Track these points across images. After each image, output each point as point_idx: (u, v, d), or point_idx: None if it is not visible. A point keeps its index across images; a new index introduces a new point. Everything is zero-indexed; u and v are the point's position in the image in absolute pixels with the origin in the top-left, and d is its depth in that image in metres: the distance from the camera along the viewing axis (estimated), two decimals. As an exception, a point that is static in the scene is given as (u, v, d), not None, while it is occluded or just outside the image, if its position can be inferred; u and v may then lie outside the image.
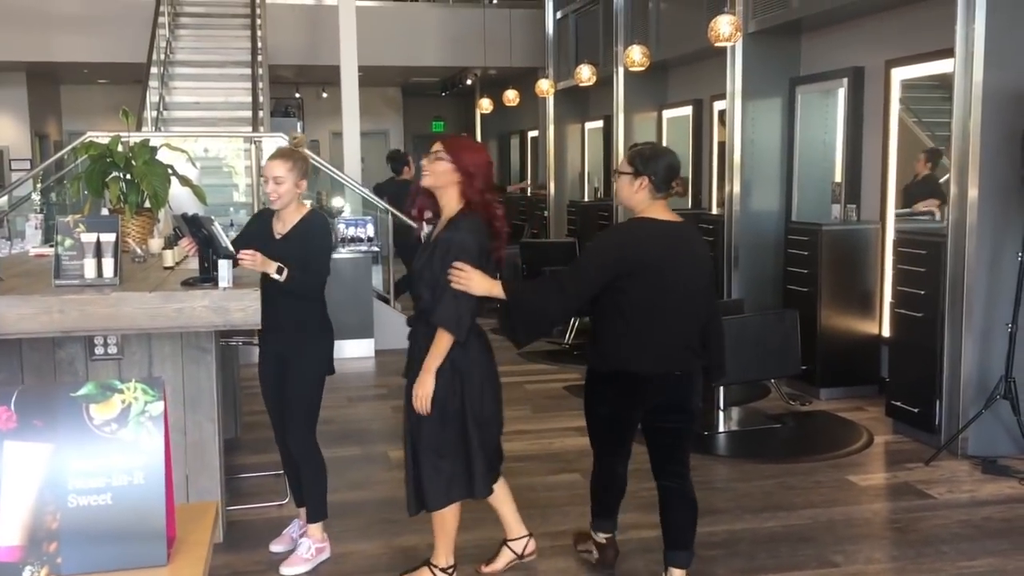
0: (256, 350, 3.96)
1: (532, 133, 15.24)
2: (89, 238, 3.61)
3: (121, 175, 4.55)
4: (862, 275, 6.45)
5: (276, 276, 3.56)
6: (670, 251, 3.30)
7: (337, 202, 10.02)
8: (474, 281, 3.23)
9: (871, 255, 6.44)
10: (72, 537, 1.58)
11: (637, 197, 3.35)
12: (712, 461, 5.25)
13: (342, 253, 7.90)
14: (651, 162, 3.33)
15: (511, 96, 13.08)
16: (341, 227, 8.13)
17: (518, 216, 13.70)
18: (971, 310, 5.10)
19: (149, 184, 4.45)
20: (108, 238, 3.63)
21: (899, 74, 6.34)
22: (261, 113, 9.85)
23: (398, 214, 8.23)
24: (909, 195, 6.34)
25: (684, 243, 3.36)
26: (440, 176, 3.33)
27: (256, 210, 7.17)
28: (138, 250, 4.43)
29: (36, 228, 6.25)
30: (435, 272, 3.28)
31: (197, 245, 3.73)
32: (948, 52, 5.25)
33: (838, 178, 7.01)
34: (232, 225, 6.89)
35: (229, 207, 8.89)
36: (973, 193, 5.05)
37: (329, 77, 12.40)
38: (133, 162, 4.51)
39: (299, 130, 13.10)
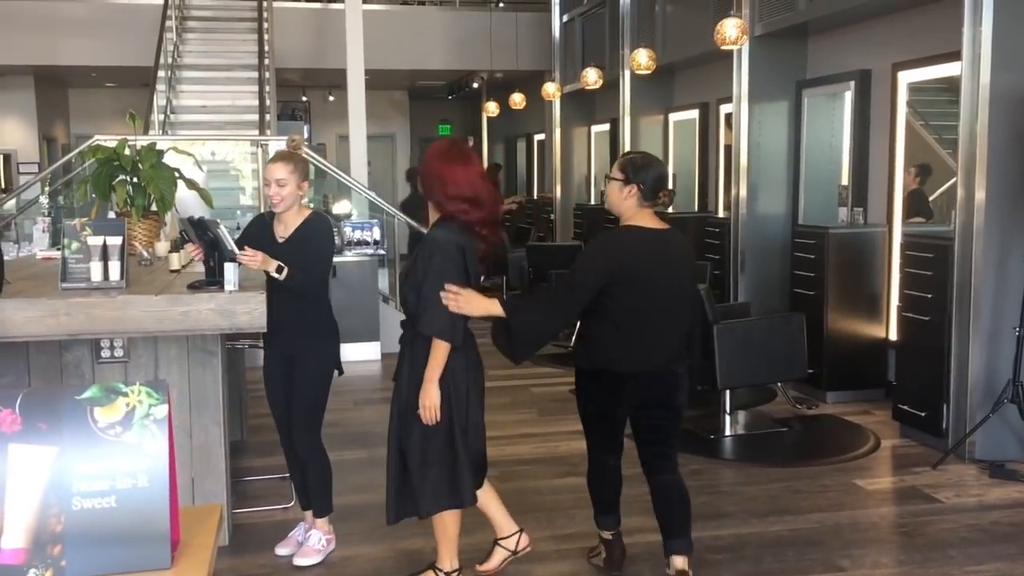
0: (262, 353, 3.97)
1: (539, 136, 15.25)
2: (96, 241, 3.62)
3: (128, 178, 4.57)
4: (869, 278, 6.43)
5: (276, 275, 3.57)
6: (656, 258, 3.40)
7: (344, 206, 10.04)
8: (471, 303, 3.26)
9: (878, 258, 6.42)
10: (76, 540, 1.58)
11: (626, 204, 3.43)
12: (718, 465, 5.24)
13: (348, 256, 7.92)
14: (642, 171, 3.42)
15: (517, 99, 13.09)
16: (348, 230, 8.15)
17: (525, 219, 13.71)
18: (978, 313, 5.09)
19: (156, 187, 4.47)
20: (115, 241, 3.65)
21: (906, 77, 6.33)
22: (268, 117, 9.87)
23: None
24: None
25: (670, 250, 3.45)
26: (423, 185, 3.43)
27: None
28: (144, 253, 4.43)
29: (43, 231, 6.26)
30: (418, 276, 3.29)
31: (203, 248, 3.74)
32: (955, 55, 5.24)
33: (845, 181, 7.00)
34: (238, 228, 6.88)
35: (236, 210, 8.88)
36: (980, 196, 5.04)
37: (336, 80, 12.45)
38: (140, 165, 4.53)
39: (305, 133, 13.09)
